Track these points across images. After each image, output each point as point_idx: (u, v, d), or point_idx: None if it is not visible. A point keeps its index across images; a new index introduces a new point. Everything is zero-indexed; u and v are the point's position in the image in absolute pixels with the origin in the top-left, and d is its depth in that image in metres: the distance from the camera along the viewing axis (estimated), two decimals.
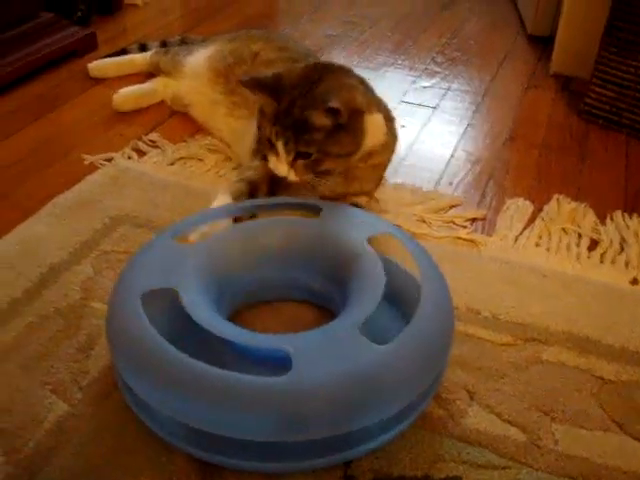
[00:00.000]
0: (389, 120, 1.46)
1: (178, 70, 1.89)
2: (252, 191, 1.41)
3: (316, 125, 1.27)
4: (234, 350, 1.03)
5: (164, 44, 2.13)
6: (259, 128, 1.34)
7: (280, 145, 1.28)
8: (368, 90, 1.42)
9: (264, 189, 1.43)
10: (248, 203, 1.31)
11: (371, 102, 1.39)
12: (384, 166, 1.50)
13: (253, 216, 1.34)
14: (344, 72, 1.40)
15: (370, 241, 1.17)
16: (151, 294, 1.03)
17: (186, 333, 1.02)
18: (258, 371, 0.92)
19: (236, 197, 1.37)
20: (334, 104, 1.25)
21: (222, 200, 1.37)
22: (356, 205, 1.40)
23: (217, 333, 0.97)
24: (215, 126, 1.76)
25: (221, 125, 1.72)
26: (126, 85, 1.97)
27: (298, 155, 1.28)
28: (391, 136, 1.46)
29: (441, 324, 1.03)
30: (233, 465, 0.96)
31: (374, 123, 1.36)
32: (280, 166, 1.30)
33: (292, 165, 1.30)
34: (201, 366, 0.91)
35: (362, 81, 1.43)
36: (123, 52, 2.14)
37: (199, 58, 1.82)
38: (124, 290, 1.05)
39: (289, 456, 0.95)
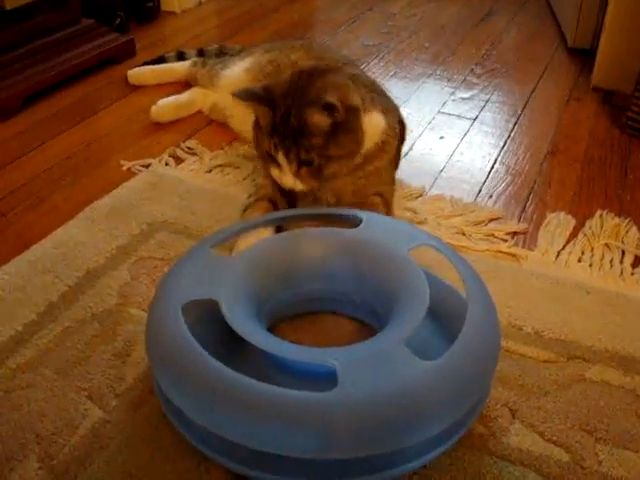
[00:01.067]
0: (391, 116, 1.45)
1: (214, 84, 1.89)
2: (274, 207, 1.41)
3: (314, 126, 1.26)
4: (275, 363, 1.01)
5: (201, 53, 2.13)
6: (257, 145, 1.34)
7: (281, 156, 1.27)
8: (363, 87, 1.40)
9: (282, 203, 1.42)
10: (288, 213, 1.30)
11: (366, 99, 1.37)
12: (389, 166, 1.48)
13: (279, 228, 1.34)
14: (333, 72, 1.37)
15: (411, 253, 1.15)
16: (190, 304, 1.02)
17: (224, 344, 1.01)
18: (298, 384, 0.90)
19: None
20: (329, 99, 1.24)
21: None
22: (373, 209, 1.38)
23: (260, 346, 0.96)
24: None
25: None
26: (163, 93, 1.98)
27: (301, 163, 1.28)
28: (392, 133, 1.44)
29: (488, 342, 1.00)
30: None
31: (372, 121, 1.36)
32: (285, 178, 1.29)
33: (297, 175, 1.29)
34: (244, 379, 0.88)
35: (356, 78, 1.41)
36: (161, 60, 2.14)
37: (236, 71, 1.82)
38: (164, 300, 1.03)
39: (329, 473, 0.92)
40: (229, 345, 1.00)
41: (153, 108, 1.88)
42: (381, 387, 0.89)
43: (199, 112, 1.94)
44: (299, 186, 1.30)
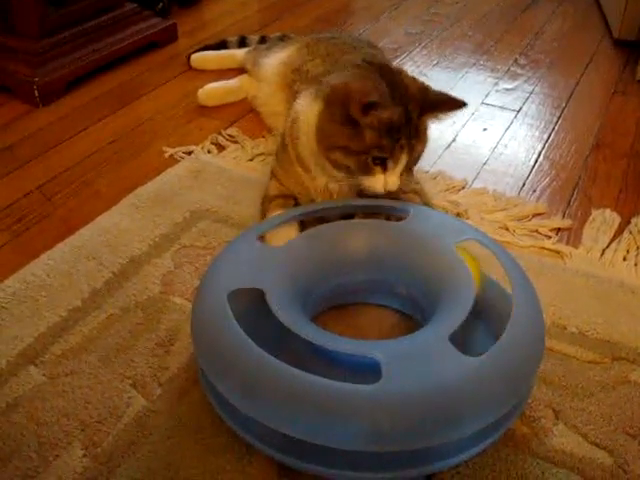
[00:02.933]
0: None
1: (255, 72, 1.88)
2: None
3: (425, 129, 1.26)
4: (319, 353, 1.01)
5: (263, 40, 2.13)
6: (354, 152, 1.25)
7: (404, 159, 1.24)
8: None
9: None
10: (333, 203, 1.29)
11: None
12: None
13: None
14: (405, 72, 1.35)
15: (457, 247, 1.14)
16: (234, 293, 1.02)
17: (268, 334, 1.01)
18: (340, 375, 0.90)
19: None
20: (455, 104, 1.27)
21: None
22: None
23: (304, 336, 0.96)
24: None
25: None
26: (208, 78, 1.98)
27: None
28: None
29: (533, 340, 0.99)
30: (313, 471, 0.94)
31: None
32: (392, 179, 1.25)
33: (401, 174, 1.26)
34: (289, 369, 0.89)
35: None
36: (222, 44, 2.15)
37: (272, 63, 1.79)
38: (210, 288, 1.04)
39: (371, 466, 0.92)
40: (274, 335, 0.99)
41: (200, 91, 1.89)
42: (424, 382, 0.89)
43: (244, 99, 1.93)
44: (396, 186, 1.26)
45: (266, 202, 1.42)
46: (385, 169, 1.24)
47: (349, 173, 1.27)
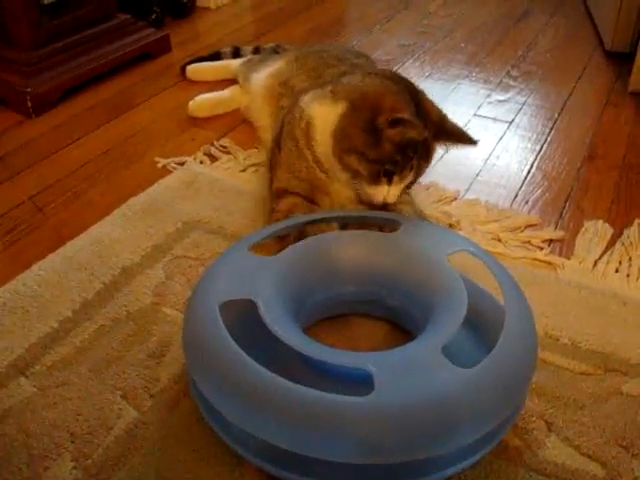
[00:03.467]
0: None
1: (246, 85, 1.88)
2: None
3: (433, 151, 1.31)
4: (311, 365, 1.01)
5: (257, 50, 2.13)
6: (369, 160, 1.26)
7: (410, 175, 1.28)
8: None
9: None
10: (324, 215, 1.29)
11: None
12: None
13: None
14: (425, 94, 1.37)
15: (449, 259, 1.14)
16: (227, 304, 1.02)
17: (260, 345, 1.00)
18: (333, 387, 0.89)
19: None
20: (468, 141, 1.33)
21: None
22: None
23: (297, 348, 0.96)
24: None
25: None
26: (200, 89, 1.99)
27: None
28: None
29: (525, 352, 0.99)
30: None
31: None
32: (393, 192, 1.28)
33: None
34: (280, 381, 0.89)
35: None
36: (216, 55, 2.15)
37: (261, 76, 1.79)
38: (202, 300, 1.03)
39: (364, 478, 0.92)
40: (266, 346, 0.99)
41: (191, 103, 1.89)
42: (417, 394, 0.89)
43: (237, 110, 1.93)
44: (394, 198, 1.30)
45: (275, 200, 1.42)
46: (390, 182, 1.27)
47: (355, 177, 1.29)
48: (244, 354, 0.93)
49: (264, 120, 1.72)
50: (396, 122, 1.21)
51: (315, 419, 0.87)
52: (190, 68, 2.12)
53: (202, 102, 1.90)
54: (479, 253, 1.15)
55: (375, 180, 1.27)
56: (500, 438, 0.98)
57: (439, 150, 1.55)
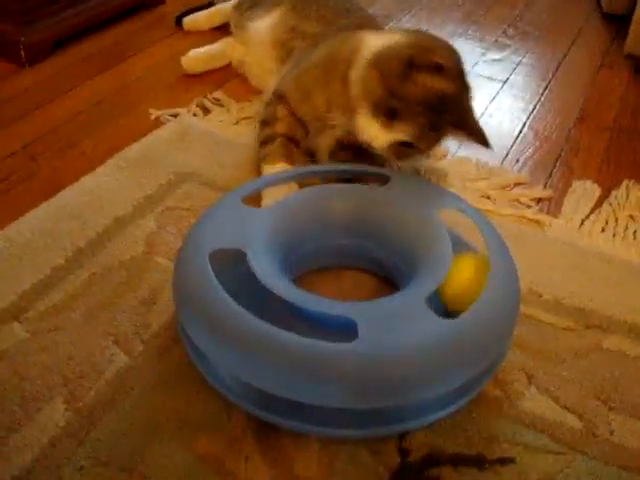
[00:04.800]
0: None
1: (240, 35, 1.86)
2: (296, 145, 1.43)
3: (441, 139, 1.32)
4: (297, 313, 1.03)
5: None
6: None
7: (408, 133, 1.26)
8: None
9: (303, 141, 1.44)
10: (315, 168, 1.30)
11: None
12: None
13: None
14: None
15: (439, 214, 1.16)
16: (217, 253, 1.04)
17: (250, 293, 1.02)
18: (319, 335, 0.92)
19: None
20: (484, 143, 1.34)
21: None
22: None
23: (283, 296, 0.98)
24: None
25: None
26: (194, 41, 1.97)
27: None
28: None
29: (507, 304, 1.01)
30: (290, 427, 0.97)
31: None
32: (379, 140, 1.28)
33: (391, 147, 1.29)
34: (267, 327, 0.91)
35: None
36: (210, 4, 2.14)
37: (261, 27, 1.77)
38: (192, 247, 1.05)
39: (346, 423, 0.95)
40: (255, 294, 1.01)
41: (183, 59, 1.87)
42: (399, 342, 0.91)
43: (229, 64, 1.92)
44: (377, 149, 1.29)
45: (269, 140, 1.43)
46: (387, 124, 1.25)
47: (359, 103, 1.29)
48: (231, 300, 0.95)
49: (268, 65, 1.70)
50: (437, 68, 1.21)
51: (299, 363, 0.89)
52: (187, 20, 2.11)
53: (195, 57, 1.88)
54: (468, 210, 1.17)
55: (375, 112, 1.25)
56: (480, 388, 1.01)
57: None
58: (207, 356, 0.97)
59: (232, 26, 1.93)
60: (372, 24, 1.66)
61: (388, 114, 1.24)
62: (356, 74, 1.32)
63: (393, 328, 0.93)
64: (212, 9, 2.11)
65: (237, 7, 1.95)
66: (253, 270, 1.01)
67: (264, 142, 1.44)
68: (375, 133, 1.27)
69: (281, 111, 1.45)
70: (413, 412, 0.96)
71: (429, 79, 1.22)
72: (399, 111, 1.23)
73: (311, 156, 1.45)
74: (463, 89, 1.29)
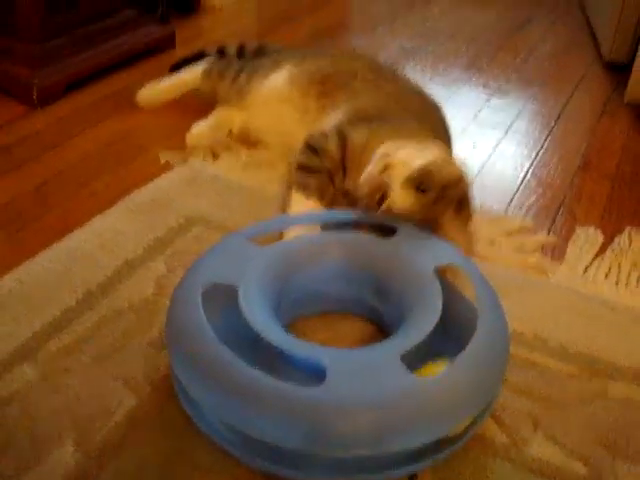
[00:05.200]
0: None
1: (244, 99, 1.81)
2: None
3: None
4: (277, 353, 1.04)
5: (241, 49, 2.07)
6: None
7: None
8: None
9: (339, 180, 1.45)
10: (329, 215, 1.32)
11: None
12: None
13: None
14: None
15: (440, 269, 1.17)
16: (214, 289, 1.07)
17: (239, 330, 1.05)
18: (300, 379, 0.94)
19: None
20: None
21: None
22: None
23: (260, 333, 1.00)
24: (297, 140, 1.66)
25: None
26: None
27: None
28: None
29: (487, 368, 1.01)
30: (265, 469, 0.97)
31: None
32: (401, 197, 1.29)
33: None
34: (238, 365, 0.93)
35: None
36: (201, 55, 2.07)
37: (276, 81, 1.75)
38: (188, 281, 1.09)
39: (326, 469, 0.96)
40: (246, 333, 1.03)
41: (188, 136, 1.80)
42: (364, 392, 0.92)
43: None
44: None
45: (312, 170, 1.45)
46: None
47: None
48: (210, 333, 0.97)
49: (303, 105, 1.69)
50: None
51: (264, 403, 0.91)
52: (143, 95, 1.99)
53: (199, 134, 1.82)
54: (465, 265, 1.17)
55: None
56: (456, 448, 1.00)
57: None
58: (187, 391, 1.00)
59: (225, 95, 1.86)
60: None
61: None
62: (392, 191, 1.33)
63: (361, 378, 0.94)
64: (172, 80, 2.00)
65: (212, 72, 1.91)
66: (240, 305, 1.03)
67: (304, 168, 1.45)
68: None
69: (336, 148, 1.45)
70: (376, 464, 0.96)
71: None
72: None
73: (345, 196, 1.46)
74: None
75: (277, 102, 1.74)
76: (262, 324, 1.03)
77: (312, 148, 1.48)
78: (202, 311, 1.01)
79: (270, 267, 1.15)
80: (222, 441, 0.99)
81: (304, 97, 1.69)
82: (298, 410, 0.90)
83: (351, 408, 0.91)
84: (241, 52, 2.08)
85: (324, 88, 1.66)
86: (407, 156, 1.30)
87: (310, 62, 1.75)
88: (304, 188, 1.42)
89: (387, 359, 0.97)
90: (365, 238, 1.25)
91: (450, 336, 1.11)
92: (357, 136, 1.46)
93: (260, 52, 2.05)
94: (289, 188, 1.46)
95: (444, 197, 1.29)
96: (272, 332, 1.03)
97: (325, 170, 1.44)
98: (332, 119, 1.58)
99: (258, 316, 1.04)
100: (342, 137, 1.46)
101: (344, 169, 1.45)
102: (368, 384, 0.93)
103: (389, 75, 1.74)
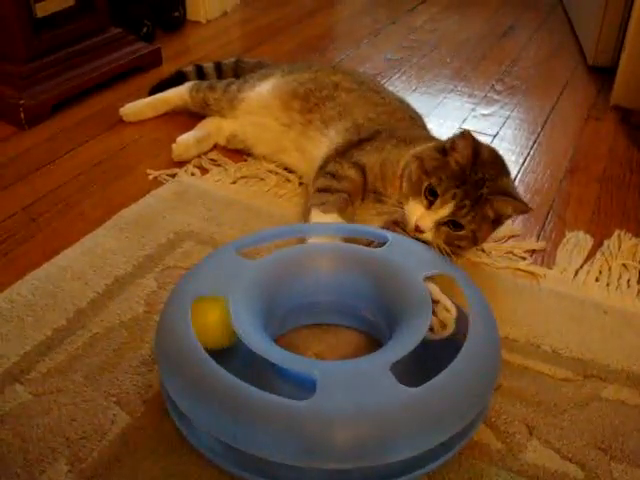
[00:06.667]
0: None
1: (235, 107, 1.82)
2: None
3: (499, 213, 1.30)
4: (267, 366, 1.04)
5: (218, 66, 2.09)
6: (418, 173, 1.31)
7: (448, 207, 1.26)
8: None
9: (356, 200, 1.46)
10: (320, 227, 1.32)
11: None
12: None
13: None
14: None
15: (432, 278, 1.17)
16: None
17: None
18: (292, 391, 0.94)
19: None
20: (526, 208, 1.30)
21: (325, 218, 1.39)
22: None
23: (250, 346, 1.00)
24: (284, 152, 1.75)
25: (290, 149, 1.73)
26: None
27: (450, 222, 1.28)
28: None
29: (476, 379, 1.00)
30: None
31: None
32: (427, 221, 1.27)
33: (437, 225, 1.28)
34: (227, 378, 0.93)
35: None
36: (180, 75, 2.08)
37: (261, 92, 1.78)
38: (178, 293, 1.09)
39: None
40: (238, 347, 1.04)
41: (174, 147, 1.80)
42: (353, 405, 0.91)
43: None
44: (429, 236, 1.28)
45: (331, 190, 1.44)
46: (429, 206, 1.28)
47: (405, 191, 1.33)
48: (199, 348, 0.97)
49: (286, 120, 1.71)
50: (466, 135, 1.27)
51: (255, 417, 0.91)
52: (127, 110, 2.01)
53: (185, 145, 1.81)
54: (457, 277, 1.17)
55: (417, 193, 1.29)
56: (446, 458, 1.00)
57: None
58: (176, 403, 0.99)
59: (215, 104, 1.87)
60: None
61: (429, 194, 1.28)
62: (402, 169, 1.37)
63: (351, 390, 0.94)
64: (157, 96, 2.03)
65: (200, 87, 1.92)
66: (231, 318, 1.03)
67: (324, 190, 1.45)
68: (420, 214, 1.29)
69: (356, 175, 1.45)
70: (386, 473, 0.96)
71: (462, 146, 1.28)
72: (438, 187, 1.27)
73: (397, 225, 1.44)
74: (498, 162, 1.35)
75: (262, 114, 1.76)
76: (252, 337, 1.02)
77: (330, 173, 1.48)
78: (190, 324, 1.01)
79: (259, 279, 1.14)
80: (214, 456, 0.99)
81: (287, 111, 1.71)
82: (289, 423, 0.90)
83: (341, 420, 0.91)
84: (219, 69, 2.10)
85: (308, 105, 1.68)
86: None
87: (293, 76, 1.76)
88: (322, 204, 1.41)
89: (376, 370, 0.97)
90: (354, 248, 1.25)
91: (441, 345, 1.12)
92: (372, 160, 1.47)
93: (238, 67, 2.07)
94: (308, 211, 1.45)
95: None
96: (262, 345, 1.02)
97: (345, 191, 1.44)
98: (331, 138, 1.59)
99: (247, 329, 1.04)
100: (359, 166, 1.47)
101: (364, 192, 1.46)
102: (357, 396, 0.93)
103: (372, 85, 1.75)
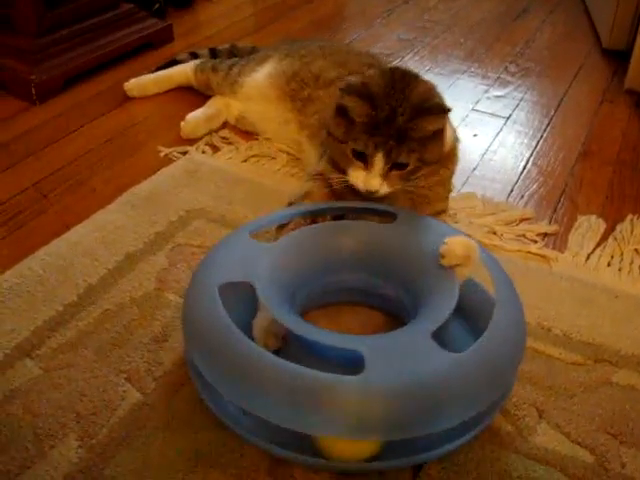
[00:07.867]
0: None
1: (235, 91, 1.83)
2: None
3: (424, 130, 1.23)
4: (307, 346, 1.04)
5: (213, 53, 2.08)
6: (333, 141, 1.29)
7: (379, 157, 1.22)
8: None
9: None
10: (325, 205, 1.32)
11: None
12: (451, 177, 1.43)
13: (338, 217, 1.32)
14: (422, 78, 1.34)
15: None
16: (226, 287, 1.05)
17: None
18: (328, 369, 0.92)
19: None
20: (445, 105, 1.25)
21: None
22: None
23: (293, 329, 0.99)
24: (286, 142, 1.75)
25: (291, 142, 1.73)
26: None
27: (394, 166, 1.24)
28: (456, 139, 1.40)
29: (513, 339, 1.02)
30: (302, 462, 0.97)
31: (449, 127, 1.34)
32: (372, 180, 1.24)
33: (385, 176, 1.24)
34: (274, 359, 0.93)
35: None
36: (174, 62, 2.08)
37: (258, 78, 1.77)
38: (202, 281, 1.07)
39: None
40: None
41: (183, 124, 1.80)
42: (405, 375, 0.92)
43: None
44: (384, 189, 1.25)
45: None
46: (366, 166, 1.25)
47: (342, 166, 1.30)
48: (241, 333, 0.96)
49: (282, 116, 1.71)
50: (347, 89, 1.24)
51: (306, 396, 0.90)
52: (131, 85, 2.00)
53: (195, 122, 1.81)
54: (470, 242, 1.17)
55: (349, 163, 1.27)
56: (487, 423, 1.02)
57: None
58: (217, 390, 0.98)
59: (214, 87, 1.89)
60: (378, 62, 1.68)
61: (357, 157, 1.25)
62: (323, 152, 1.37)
63: (399, 362, 0.94)
64: (161, 73, 2.03)
65: (205, 67, 1.93)
66: (263, 303, 1.02)
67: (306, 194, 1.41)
68: (363, 178, 1.26)
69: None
70: (420, 445, 0.97)
71: (349, 102, 1.24)
72: (359, 147, 1.24)
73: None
74: (396, 84, 1.27)
75: (261, 103, 1.76)
76: (291, 321, 1.02)
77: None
78: (224, 309, 0.99)
79: (280, 263, 1.14)
80: (248, 434, 0.99)
81: (282, 99, 1.71)
82: (342, 400, 0.90)
83: (395, 392, 0.91)
84: (214, 54, 2.08)
85: (297, 105, 1.68)
86: None
87: (289, 61, 1.74)
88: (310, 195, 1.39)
89: (420, 339, 0.97)
90: (369, 225, 1.24)
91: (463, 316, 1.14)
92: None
93: (232, 54, 2.05)
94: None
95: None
96: (303, 327, 1.02)
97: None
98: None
99: (284, 312, 1.04)
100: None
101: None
102: (407, 366, 0.93)
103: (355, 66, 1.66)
